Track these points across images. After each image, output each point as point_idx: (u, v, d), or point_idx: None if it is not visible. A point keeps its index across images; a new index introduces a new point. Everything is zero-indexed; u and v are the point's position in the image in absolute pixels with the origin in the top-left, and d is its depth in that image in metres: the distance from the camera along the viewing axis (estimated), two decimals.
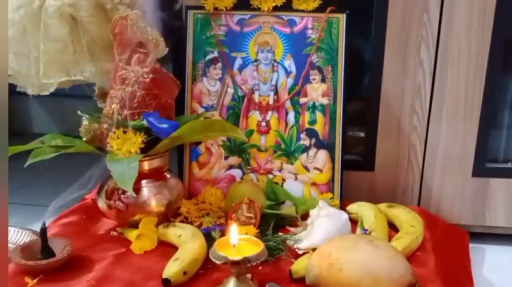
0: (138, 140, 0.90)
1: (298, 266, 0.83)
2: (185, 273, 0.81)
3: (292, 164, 1.07)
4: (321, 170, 1.06)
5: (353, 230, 0.94)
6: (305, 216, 0.96)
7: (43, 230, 0.86)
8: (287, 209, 1.02)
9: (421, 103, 1.07)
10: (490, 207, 1.10)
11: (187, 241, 0.87)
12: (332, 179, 1.05)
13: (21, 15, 0.93)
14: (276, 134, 1.07)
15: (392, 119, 1.08)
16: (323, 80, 1.04)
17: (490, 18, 1.00)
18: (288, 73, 1.06)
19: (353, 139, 1.17)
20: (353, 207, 1.00)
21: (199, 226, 0.95)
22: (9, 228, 0.96)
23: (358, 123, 1.15)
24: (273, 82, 1.06)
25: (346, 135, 1.08)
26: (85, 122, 0.94)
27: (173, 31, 1.08)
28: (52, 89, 0.97)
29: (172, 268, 0.81)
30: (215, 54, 1.07)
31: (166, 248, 0.90)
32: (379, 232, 0.92)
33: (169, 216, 0.99)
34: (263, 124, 1.07)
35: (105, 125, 0.92)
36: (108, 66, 0.97)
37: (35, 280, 0.81)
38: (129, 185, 0.85)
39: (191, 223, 0.98)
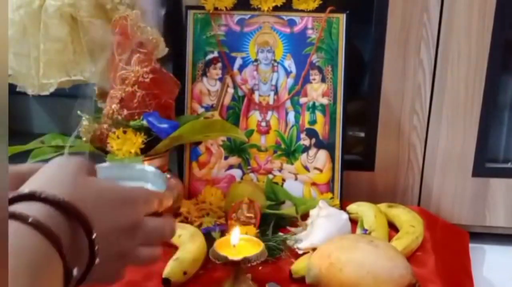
0: (138, 140, 0.90)
1: (298, 266, 0.83)
2: (185, 273, 0.81)
3: (292, 164, 1.07)
4: (321, 170, 1.06)
5: (353, 230, 0.94)
6: (305, 216, 0.96)
7: None
8: (287, 209, 1.02)
9: (421, 103, 1.07)
10: (490, 207, 1.10)
11: (187, 241, 0.87)
12: (332, 179, 1.05)
13: (21, 15, 0.93)
14: (276, 134, 1.07)
15: (392, 119, 1.08)
16: (323, 80, 1.04)
17: (490, 18, 1.00)
18: (288, 73, 1.06)
19: (353, 139, 1.17)
20: (353, 207, 1.00)
21: (199, 226, 0.95)
22: None
23: (358, 123, 1.15)
24: (273, 82, 1.06)
25: (346, 135, 1.08)
26: (85, 122, 0.94)
27: (173, 31, 1.08)
28: (52, 89, 0.97)
29: (172, 268, 0.81)
30: (215, 54, 1.07)
31: (166, 248, 0.90)
32: (379, 232, 0.92)
33: None
34: (263, 124, 1.07)
35: (105, 125, 0.92)
36: (108, 66, 0.97)
37: None
38: None
39: (191, 223, 0.98)
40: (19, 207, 0.38)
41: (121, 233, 0.43)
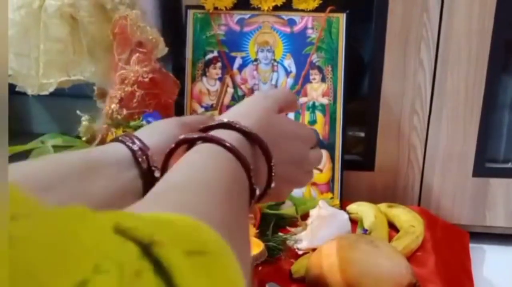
0: None
1: (298, 266, 0.83)
2: None
3: None
4: (321, 170, 1.06)
5: (353, 230, 0.94)
6: (305, 216, 0.96)
7: None
8: (287, 209, 1.01)
9: (421, 103, 1.07)
10: (490, 207, 1.10)
11: None
12: (332, 179, 1.05)
13: (22, 15, 0.93)
14: None
15: (392, 119, 1.08)
16: (323, 80, 1.04)
17: (490, 18, 1.00)
18: (288, 73, 1.06)
19: (353, 139, 1.17)
20: (353, 207, 1.00)
21: None
22: None
23: (358, 123, 1.15)
24: (273, 82, 1.06)
25: (346, 135, 1.08)
26: (85, 122, 0.94)
27: (173, 31, 1.08)
28: (52, 89, 0.97)
29: None
30: (215, 54, 1.07)
31: None
32: (379, 232, 0.92)
33: None
34: None
35: (105, 125, 0.92)
36: (108, 66, 0.97)
37: None
38: None
39: None
40: (219, 133, 0.46)
41: (293, 163, 0.53)
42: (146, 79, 0.92)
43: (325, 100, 1.05)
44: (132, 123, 0.91)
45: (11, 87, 0.97)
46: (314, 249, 0.84)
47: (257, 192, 0.46)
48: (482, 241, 1.11)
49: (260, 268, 0.84)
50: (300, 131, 0.55)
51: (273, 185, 0.49)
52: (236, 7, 1.05)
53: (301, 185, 0.57)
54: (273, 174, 0.49)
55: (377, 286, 0.73)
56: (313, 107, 1.05)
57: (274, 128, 0.51)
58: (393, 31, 1.03)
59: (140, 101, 0.92)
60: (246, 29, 1.06)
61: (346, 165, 1.06)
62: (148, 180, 0.51)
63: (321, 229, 0.89)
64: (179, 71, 1.07)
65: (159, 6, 1.09)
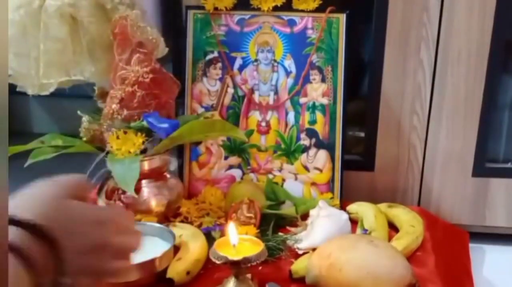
0: (138, 141, 0.90)
1: (298, 266, 0.83)
2: (188, 273, 0.81)
3: (292, 164, 1.07)
4: (321, 170, 1.06)
5: (353, 230, 0.94)
6: (305, 216, 0.96)
7: None
8: (287, 209, 1.02)
9: (421, 103, 1.07)
10: (490, 207, 1.10)
11: (189, 241, 0.87)
12: (332, 179, 1.05)
13: (21, 15, 0.93)
14: (276, 134, 1.07)
15: (392, 119, 1.08)
16: (323, 80, 1.05)
17: (490, 18, 1.00)
18: (288, 73, 1.06)
19: (353, 139, 1.17)
20: (353, 207, 1.00)
21: (199, 226, 0.95)
22: None
23: (358, 123, 1.15)
24: (273, 82, 1.06)
25: (346, 135, 1.08)
26: (85, 123, 0.94)
27: (173, 31, 1.08)
28: (52, 89, 0.97)
29: (175, 268, 0.81)
30: (215, 54, 1.07)
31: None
32: (379, 232, 0.92)
33: (169, 216, 0.99)
34: (263, 124, 1.07)
35: (105, 125, 0.92)
36: (108, 66, 0.97)
37: None
38: (131, 186, 0.85)
39: (191, 223, 0.98)
40: None
41: (92, 251, 0.48)
42: (147, 80, 0.92)
43: (325, 100, 1.05)
44: (133, 124, 0.91)
45: (11, 87, 0.97)
46: (314, 249, 0.84)
47: None
48: (482, 241, 1.11)
49: (260, 268, 0.84)
50: (101, 214, 0.51)
51: (67, 280, 0.45)
52: (236, 7, 1.05)
53: (108, 277, 0.51)
54: (65, 267, 0.45)
55: (377, 286, 0.73)
56: (313, 107, 1.05)
57: (64, 215, 0.47)
58: (393, 31, 1.03)
59: (141, 101, 0.92)
60: (246, 29, 1.06)
61: (346, 165, 1.06)
62: None
63: (321, 229, 0.89)
64: (179, 71, 1.07)
65: (159, 6, 1.09)
